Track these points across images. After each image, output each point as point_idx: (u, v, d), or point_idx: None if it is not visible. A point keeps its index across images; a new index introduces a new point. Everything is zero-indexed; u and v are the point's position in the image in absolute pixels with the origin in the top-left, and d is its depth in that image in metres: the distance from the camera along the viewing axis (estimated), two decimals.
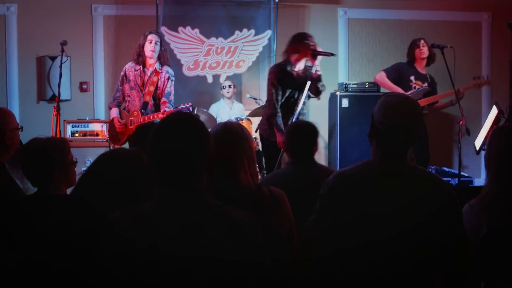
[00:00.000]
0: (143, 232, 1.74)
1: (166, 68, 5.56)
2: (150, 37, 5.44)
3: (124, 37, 7.52)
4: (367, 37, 7.95)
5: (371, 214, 2.12)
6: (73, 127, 6.75)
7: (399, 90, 5.99)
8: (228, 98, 7.10)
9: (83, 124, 6.81)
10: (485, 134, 5.10)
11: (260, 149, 6.12)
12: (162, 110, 5.36)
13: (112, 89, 7.42)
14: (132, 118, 5.46)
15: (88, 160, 6.66)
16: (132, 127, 5.42)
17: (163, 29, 7.25)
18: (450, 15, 7.98)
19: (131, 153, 2.23)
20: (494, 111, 5.23)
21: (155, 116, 5.28)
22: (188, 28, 7.37)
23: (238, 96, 7.41)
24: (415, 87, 6.08)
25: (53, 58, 7.22)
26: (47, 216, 2.25)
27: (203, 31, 7.42)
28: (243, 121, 6.50)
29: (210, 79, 7.51)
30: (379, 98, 2.27)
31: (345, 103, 7.06)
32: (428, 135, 6.14)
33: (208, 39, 7.44)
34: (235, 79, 7.41)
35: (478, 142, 5.01)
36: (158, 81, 5.48)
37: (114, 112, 5.61)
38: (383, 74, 6.35)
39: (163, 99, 5.49)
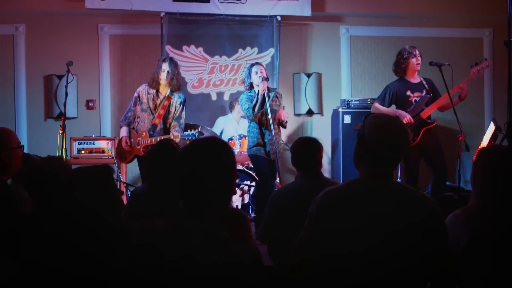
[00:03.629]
0: (148, 247, 1.90)
1: (179, 93, 5.70)
2: (163, 66, 5.60)
3: (130, 55, 7.66)
4: (370, 54, 8.04)
5: (357, 230, 2.19)
6: (79, 144, 6.84)
7: (401, 112, 5.68)
8: (237, 112, 7.18)
9: (89, 141, 6.90)
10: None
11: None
12: (170, 134, 5.47)
13: (118, 106, 7.58)
14: (140, 138, 5.58)
15: None
16: (139, 147, 5.55)
17: (168, 47, 7.38)
18: (451, 32, 8.07)
19: None
20: (491, 127, 5.30)
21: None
22: (192, 46, 7.50)
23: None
24: (415, 101, 5.74)
25: (60, 77, 7.36)
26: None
27: (207, 49, 7.55)
28: (246, 138, 6.58)
29: (214, 97, 7.62)
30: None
31: (347, 119, 7.15)
32: (441, 144, 5.83)
33: (212, 57, 7.57)
34: (239, 96, 7.48)
35: None
36: (169, 106, 5.61)
37: (124, 131, 5.74)
38: (376, 105, 5.91)
39: (174, 123, 5.63)
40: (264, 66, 5.94)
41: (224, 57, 7.58)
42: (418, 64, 5.80)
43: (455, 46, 7.94)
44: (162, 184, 3.19)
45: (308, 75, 7.83)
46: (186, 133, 5.42)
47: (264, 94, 5.49)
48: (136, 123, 5.71)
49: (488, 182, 2.44)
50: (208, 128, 6.82)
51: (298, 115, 7.93)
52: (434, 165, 5.76)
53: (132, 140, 5.64)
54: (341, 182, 7.22)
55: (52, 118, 7.52)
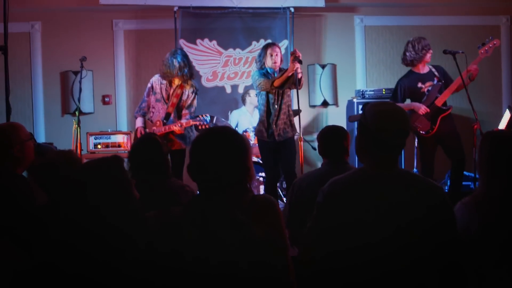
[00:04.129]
0: (167, 233, 1.98)
1: (191, 81, 5.70)
2: (174, 63, 5.55)
3: (144, 50, 7.70)
4: (384, 44, 7.99)
5: (365, 219, 2.18)
6: (95, 139, 6.91)
7: (415, 104, 5.69)
8: (250, 104, 7.18)
9: (105, 136, 6.97)
10: None
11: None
12: (181, 122, 5.48)
13: (133, 101, 7.63)
14: (155, 128, 5.61)
15: None
16: None
17: (182, 41, 7.41)
18: (467, 20, 7.97)
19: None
20: (507, 114, 5.24)
21: (172, 127, 5.43)
22: (206, 40, 7.52)
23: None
24: (427, 90, 5.72)
25: (76, 73, 7.43)
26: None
27: (221, 42, 7.56)
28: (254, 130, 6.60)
29: (228, 89, 7.64)
30: None
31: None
32: (458, 131, 5.78)
33: (225, 50, 7.58)
34: (253, 88, 7.49)
35: None
36: (182, 94, 5.63)
37: (139, 122, 5.77)
38: None
39: (185, 111, 5.64)
40: (280, 48, 5.67)
41: (238, 49, 7.59)
42: (430, 56, 5.76)
43: (471, 34, 7.82)
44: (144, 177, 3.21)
45: (323, 66, 7.80)
46: (198, 118, 5.42)
47: (294, 74, 5.23)
48: (151, 114, 5.74)
49: (492, 167, 2.42)
50: (223, 120, 6.83)
51: (313, 106, 7.91)
52: (452, 152, 5.70)
53: (147, 130, 5.68)
54: None
55: (69, 114, 7.60)
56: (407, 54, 5.76)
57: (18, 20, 7.52)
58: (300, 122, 5.49)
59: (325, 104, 7.89)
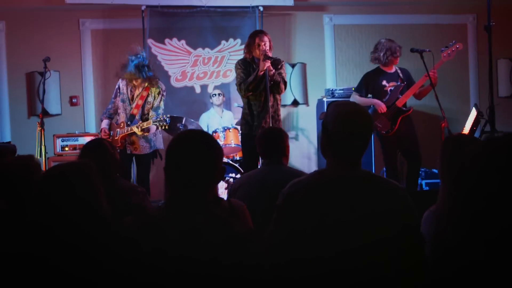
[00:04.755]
0: (148, 234, 1.97)
1: (158, 83, 5.62)
2: (134, 71, 5.47)
3: (112, 50, 7.58)
4: (354, 43, 8.01)
5: (326, 221, 2.15)
6: (62, 141, 6.79)
7: (376, 101, 5.85)
8: (218, 106, 7.15)
9: (73, 138, 6.85)
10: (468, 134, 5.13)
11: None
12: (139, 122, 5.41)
13: (102, 102, 7.52)
14: (118, 129, 5.54)
15: None
16: (117, 138, 5.49)
17: (150, 41, 7.33)
18: (435, 19, 8.03)
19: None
20: (473, 113, 5.29)
21: (133, 128, 5.36)
22: (175, 39, 7.45)
23: (226, 105, 7.45)
24: (390, 90, 5.88)
25: (42, 74, 7.27)
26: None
27: (190, 42, 7.50)
28: (230, 130, 6.55)
29: (198, 90, 7.58)
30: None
31: None
32: (416, 133, 5.98)
33: (194, 50, 7.52)
34: (223, 88, 7.45)
35: None
36: (147, 96, 5.55)
37: (104, 123, 5.72)
38: (355, 95, 6.08)
39: (152, 113, 5.56)
40: (269, 36, 5.37)
41: (207, 49, 7.53)
42: (398, 60, 5.94)
43: (439, 32, 7.89)
44: None
45: (293, 66, 7.79)
46: (156, 118, 5.32)
47: (264, 74, 5.09)
48: (118, 115, 5.67)
49: (456, 170, 2.39)
50: (193, 120, 6.76)
51: (284, 106, 7.86)
52: (409, 155, 5.91)
53: (112, 132, 5.60)
54: None
55: (36, 116, 7.44)
56: (376, 52, 5.90)
57: None
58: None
59: (295, 103, 7.88)
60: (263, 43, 5.25)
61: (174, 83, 7.48)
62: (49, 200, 2.30)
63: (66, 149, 6.84)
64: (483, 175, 2.10)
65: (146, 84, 5.51)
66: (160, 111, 5.56)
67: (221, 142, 6.57)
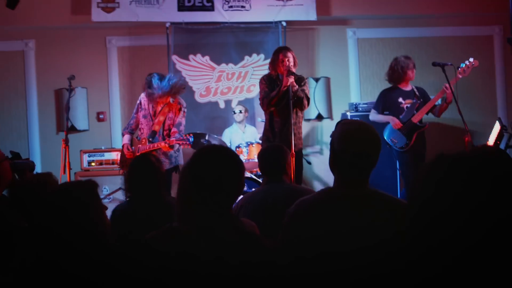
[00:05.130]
0: (177, 249, 1.97)
1: (179, 99, 5.69)
2: (157, 91, 5.54)
3: (138, 66, 7.72)
4: (378, 56, 7.99)
5: (330, 240, 2.16)
6: (89, 156, 6.93)
7: (392, 118, 5.99)
8: (240, 122, 7.19)
9: (99, 153, 6.98)
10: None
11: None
12: (166, 139, 5.47)
13: (128, 117, 7.60)
14: (140, 145, 5.61)
15: (105, 188, 6.84)
16: (138, 154, 5.55)
17: (174, 57, 7.43)
18: (460, 31, 7.97)
19: None
20: (497, 126, 5.22)
21: (159, 145, 5.42)
22: (199, 55, 7.54)
23: (250, 120, 7.49)
24: (406, 107, 6.03)
25: (70, 91, 7.45)
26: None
27: (213, 57, 7.57)
28: (253, 145, 6.59)
29: (222, 105, 7.64)
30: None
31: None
32: (426, 149, 6.05)
33: (218, 66, 7.60)
34: (247, 103, 7.51)
35: None
36: (169, 112, 5.62)
37: (126, 139, 5.79)
38: (373, 112, 6.30)
39: (174, 129, 5.63)
40: (294, 54, 5.48)
41: (230, 64, 7.60)
42: (413, 75, 6.06)
43: (465, 44, 7.82)
44: (144, 198, 3.22)
45: (316, 80, 7.80)
46: (182, 137, 5.39)
47: (287, 89, 5.12)
48: (140, 131, 5.74)
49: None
50: (216, 136, 6.82)
51: (308, 120, 7.89)
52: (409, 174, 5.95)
53: (133, 147, 5.68)
54: None
55: (63, 131, 7.60)
56: (391, 70, 6.10)
57: (12, 38, 7.62)
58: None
59: (319, 117, 7.88)
60: (286, 59, 5.33)
61: (198, 98, 7.56)
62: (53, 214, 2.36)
63: (93, 164, 6.97)
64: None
65: (168, 101, 5.58)
66: (181, 127, 5.63)
67: (244, 157, 6.61)
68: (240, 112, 7.14)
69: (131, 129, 5.81)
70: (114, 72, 7.79)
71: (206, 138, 6.62)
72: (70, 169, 5.40)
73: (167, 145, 5.36)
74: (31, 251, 2.49)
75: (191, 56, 7.52)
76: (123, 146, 5.74)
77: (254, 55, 7.58)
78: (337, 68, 7.97)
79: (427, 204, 1.81)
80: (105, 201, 6.74)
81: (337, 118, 7.82)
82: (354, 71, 7.99)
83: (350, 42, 7.99)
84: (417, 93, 6.06)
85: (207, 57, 7.55)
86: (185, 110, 5.72)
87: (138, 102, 5.81)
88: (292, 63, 5.31)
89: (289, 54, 5.38)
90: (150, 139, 5.58)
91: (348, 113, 7.24)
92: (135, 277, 2.08)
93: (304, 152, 7.52)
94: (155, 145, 5.44)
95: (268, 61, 7.39)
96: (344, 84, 7.99)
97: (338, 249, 2.14)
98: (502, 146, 5.50)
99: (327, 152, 7.91)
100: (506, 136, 5.34)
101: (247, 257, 1.98)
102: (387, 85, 7.70)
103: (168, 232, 2.07)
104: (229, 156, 2.14)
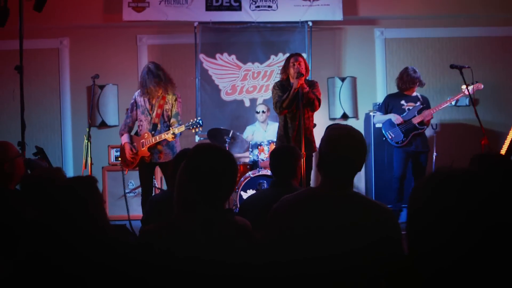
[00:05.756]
0: (175, 242, 2.09)
1: (172, 90, 5.77)
2: (152, 82, 5.66)
3: (166, 64, 7.74)
4: (405, 56, 7.96)
5: (308, 238, 2.25)
6: (116, 152, 7.14)
7: (393, 115, 6.29)
8: (262, 122, 7.27)
9: None
10: (504, 153, 5.03)
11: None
12: (171, 130, 5.57)
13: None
14: (143, 140, 5.68)
15: (131, 182, 7.04)
16: (144, 148, 5.65)
17: (202, 56, 7.59)
18: (488, 31, 7.86)
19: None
20: None
21: (163, 136, 5.53)
22: (225, 54, 7.68)
23: (272, 116, 7.57)
24: (408, 109, 6.28)
25: (101, 87, 7.71)
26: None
27: (240, 56, 7.71)
28: (275, 143, 6.65)
29: (247, 103, 7.77)
30: None
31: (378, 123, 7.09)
32: (429, 149, 6.35)
33: (244, 64, 7.72)
34: (272, 102, 7.56)
35: None
36: (165, 104, 5.75)
37: (125, 138, 5.85)
38: (377, 113, 6.61)
39: (172, 119, 5.73)
40: (305, 58, 5.67)
41: (256, 63, 7.72)
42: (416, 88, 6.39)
43: (493, 45, 7.73)
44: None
45: (343, 79, 7.84)
46: (190, 123, 5.49)
47: (298, 91, 5.22)
48: (139, 127, 5.83)
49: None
50: (238, 133, 6.93)
51: (333, 119, 7.94)
52: (415, 173, 6.26)
53: (135, 144, 5.79)
54: (373, 185, 7.20)
55: (95, 127, 7.87)
56: (400, 79, 6.35)
57: (47, 36, 7.91)
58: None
59: (345, 116, 7.91)
60: (297, 63, 5.44)
61: (224, 96, 7.71)
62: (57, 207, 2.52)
63: (120, 159, 7.16)
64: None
65: (161, 93, 5.70)
66: (179, 117, 5.72)
67: (265, 155, 6.70)
68: (263, 112, 7.23)
69: (129, 128, 5.89)
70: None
71: (230, 135, 6.74)
72: (91, 164, 5.57)
73: (173, 136, 5.46)
74: (32, 245, 2.65)
75: (218, 55, 7.67)
76: (125, 145, 5.82)
77: (280, 54, 7.67)
78: (363, 67, 7.99)
79: (419, 214, 1.90)
80: (130, 195, 6.97)
81: (362, 117, 7.83)
82: (381, 71, 7.99)
83: (377, 42, 7.99)
84: (420, 98, 6.33)
85: (233, 56, 7.68)
86: (180, 100, 5.80)
87: (132, 101, 5.86)
88: (303, 67, 5.41)
89: (300, 59, 5.51)
90: (152, 132, 5.68)
91: (372, 113, 7.25)
92: (133, 272, 2.19)
93: None
94: (161, 137, 5.55)
95: None
96: (371, 83, 8.00)
97: (316, 245, 2.23)
98: None
99: None
100: None
101: (240, 248, 2.11)
102: None
103: (166, 224, 2.18)
104: (225, 154, 2.25)
